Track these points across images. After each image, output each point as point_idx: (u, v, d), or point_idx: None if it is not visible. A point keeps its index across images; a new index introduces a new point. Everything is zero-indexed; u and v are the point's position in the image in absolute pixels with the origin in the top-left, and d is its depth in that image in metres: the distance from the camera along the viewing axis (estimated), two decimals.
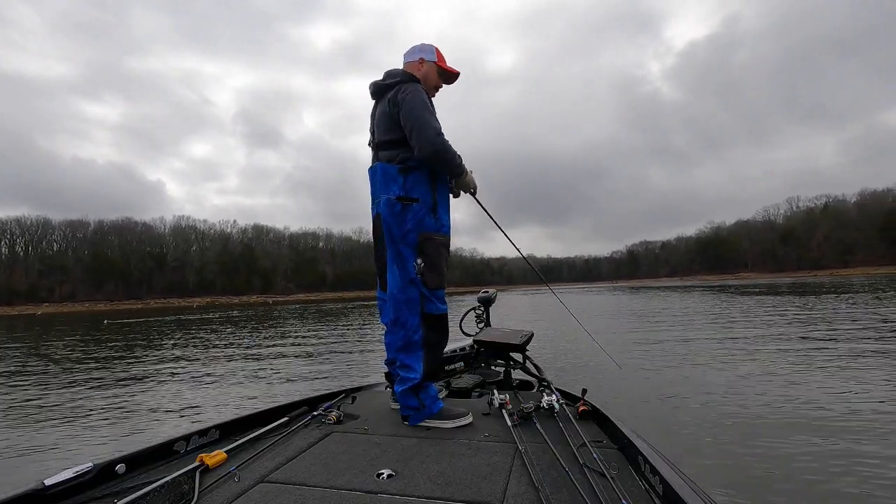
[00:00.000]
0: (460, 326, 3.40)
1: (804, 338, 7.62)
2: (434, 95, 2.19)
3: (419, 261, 1.92)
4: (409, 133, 1.91)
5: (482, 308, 3.39)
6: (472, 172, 2.14)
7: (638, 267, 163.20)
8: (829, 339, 7.28)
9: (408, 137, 1.92)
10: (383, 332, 2.16)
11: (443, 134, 1.90)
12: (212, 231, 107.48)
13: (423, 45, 2.15)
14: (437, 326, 1.98)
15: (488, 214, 2.47)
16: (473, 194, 2.23)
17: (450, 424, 1.86)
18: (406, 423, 1.92)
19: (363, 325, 15.60)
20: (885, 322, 9.14)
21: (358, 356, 8.27)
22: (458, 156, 1.98)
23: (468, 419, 1.88)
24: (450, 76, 2.21)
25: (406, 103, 1.91)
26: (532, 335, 2.86)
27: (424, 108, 1.91)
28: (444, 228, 2.02)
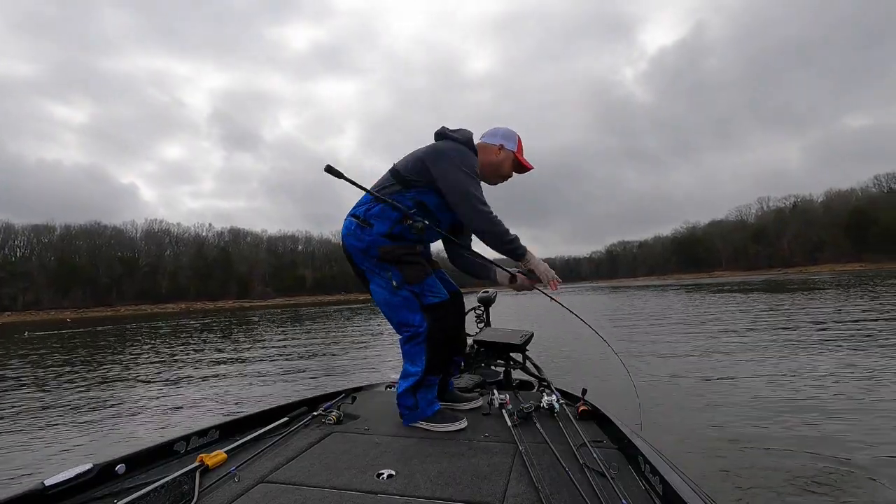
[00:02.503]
0: None
1: (785, 334, 7.63)
2: (498, 183, 2.15)
3: (394, 271, 1.87)
4: (448, 193, 1.85)
5: (482, 308, 3.35)
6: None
7: (617, 267, 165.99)
8: (812, 335, 7.30)
9: (449, 200, 1.86)
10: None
11: (486, 205, 1.86)
12: (186, 235, 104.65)
13: (507, 131, 2.10)
14: (441, 315, 1.90)
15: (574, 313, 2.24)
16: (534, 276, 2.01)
17: (440, 428, 1.81)
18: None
19: (345, 328, 15.18)
20: (864, 319, 9.20)
21: (345, 361, 7.95)
22: (514, 239, 1.90)
23: (462, 424, 1.83)
24: (522, 169, 2.14)
25: (448, 159, 1.86)
26: (532, 335, 2.86)
27: (473, 179, 1.86)
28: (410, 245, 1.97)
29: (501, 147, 2.07)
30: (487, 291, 3.47)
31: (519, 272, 2.07)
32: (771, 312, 11.43)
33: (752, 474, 2.60)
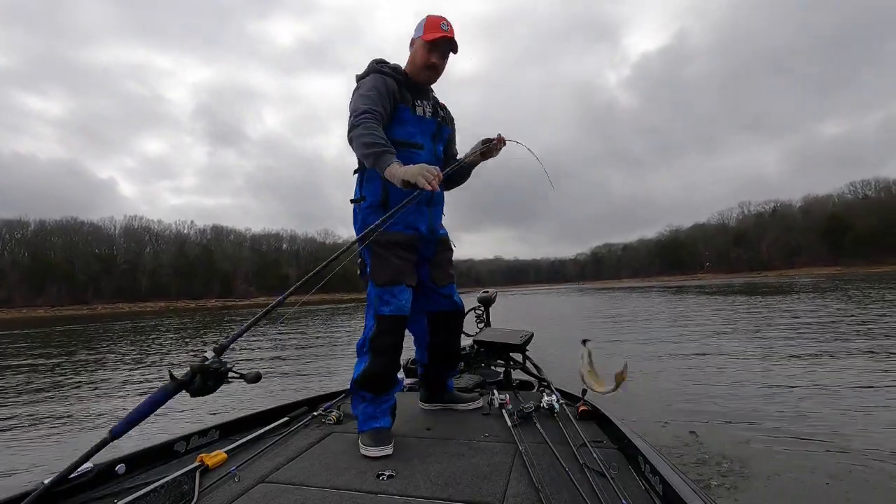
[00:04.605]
0: None
1: (776, 334, 7.62)
2: (431, 78, 1.90)
3: (368, 261, 1.80)
4: None
5: (482, 308, 3.35)
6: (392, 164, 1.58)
7: (601, 269, 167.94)
8: (802, 336, 7.30)
9: None
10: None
11: (362, 115, 1.64)
12: (167, 232, 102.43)
13: (419, 22, 1.88)
14: (387, 330, 1.74)
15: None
16: (413, 186, 1.57)
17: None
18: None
19: (340, 327, 14.90)
20: (844, 317, 9.27)
21: (344, 361, 7.85)
22: (375, 144, 1.60)
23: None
24: (435, 45, 1.83)
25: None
26: (532, 335, 2.87)
27: (357, 98, 1.73)
28: (394, 227, 1.71)
29: (412, 42, 1.90)
30: (487, 291, 3.48)
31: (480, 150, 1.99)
32: (762, 312, 11.52)
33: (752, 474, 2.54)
